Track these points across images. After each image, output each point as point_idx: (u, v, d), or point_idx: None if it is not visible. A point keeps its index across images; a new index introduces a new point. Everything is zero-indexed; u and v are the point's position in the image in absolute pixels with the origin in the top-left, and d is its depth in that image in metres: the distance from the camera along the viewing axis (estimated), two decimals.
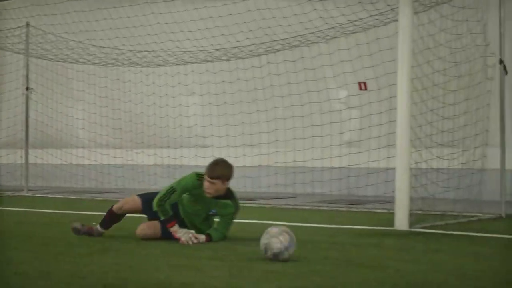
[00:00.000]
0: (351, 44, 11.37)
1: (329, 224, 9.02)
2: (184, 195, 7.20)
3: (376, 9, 9.72)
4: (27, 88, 14.08)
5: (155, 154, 13.61)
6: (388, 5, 9.08)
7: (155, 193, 7.23)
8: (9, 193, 14.07)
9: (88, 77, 14.29)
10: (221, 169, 6.95)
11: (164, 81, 13.42)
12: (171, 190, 7.10)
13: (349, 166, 11.88)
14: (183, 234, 7.02)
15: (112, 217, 7.41)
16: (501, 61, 10.07)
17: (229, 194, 7.11)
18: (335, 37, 10.99)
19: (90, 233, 7.44)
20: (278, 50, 11.68)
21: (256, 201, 11.95)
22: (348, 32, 10.64)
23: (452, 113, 10.00)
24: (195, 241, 6.98)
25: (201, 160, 13.34)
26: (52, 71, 14.63)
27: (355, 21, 10.25)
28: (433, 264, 5.92)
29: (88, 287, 4.85)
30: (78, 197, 13.19)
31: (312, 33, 10.83)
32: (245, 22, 10.93)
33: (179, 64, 12.83)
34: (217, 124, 13.16)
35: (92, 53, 12.80)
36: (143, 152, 13.84)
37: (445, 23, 9.59)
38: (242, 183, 12.92)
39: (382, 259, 6.15)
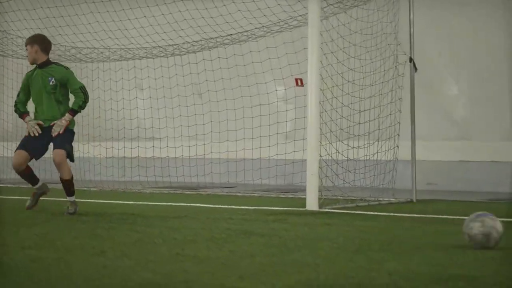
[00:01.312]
0: (278, 42, 12.26)
1: (249, 206, 9.84)
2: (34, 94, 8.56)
3: (294, 11, 10.63)
4: None
5: (99, 145, 14.38)
6: (305, 7, 9.95)
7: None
8: None
9: None
10: (30, 37, 8.79)
11: (108, 76, 14.22)
12: (18, 93, 8.80)
13: (276, 156, 12.74)
14: (30, 126, 8.44)
15: (25, 176, 8.71)
16: (411, 59, 10.99)
17: (50, 62, 8.61)
18: (263, 36, 11.88)
19: (42, 193, 8.93)
20: (211, 48, 12.55)
21: (194, 190, 12.76)
22: (273, 31, 11.53)
23: (368, 107, 10.92)
24: (38, 131, 8.36)
25: (142, 151, 14.17)
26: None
27: (278, 22, 11.15)
28: (316, 233, 6.84)
29: (9, 250, 5.69)
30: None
31: (240, 32, 11.71)
32: (176, 22, 11.78)
33: (121, 60, 13.63)
34: (157, 117, 14.00)
35: None
36: (88, 143, 14.57)
37: (358, 25, 10.51)
38: (181, 173, 13.74)
39: (275, 230, 7.03)
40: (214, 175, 13.45)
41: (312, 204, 9.39)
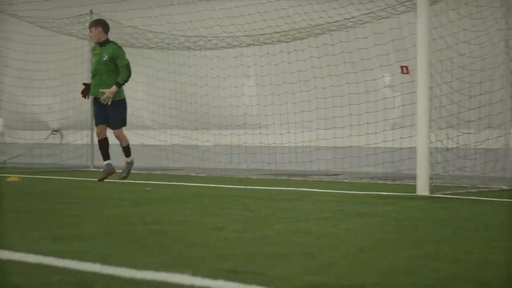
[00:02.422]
0: (385, 28, 12.18)
1: (358, 191, 9.87)
2: (93, 67, 10.72)
3: None
4: None
5: (207, 132, 14.62)
6: None
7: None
8: (76, 170, 15.16)
9: (147, 61, 15.17)
10: (93, 21, 10.84)
11: (216, 64, 14.43)
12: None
13: (383, 143, 12.68)
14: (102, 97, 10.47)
15: (101, 147, 10.78)
16: None
17: (108, 41, 10.58)
18: (370, 22, 11.85)
19: (108, 173, 10.89)
20: (317, 35, 12.57)
21: (301, 176, 12.82)
22: (380, 17, 11.49)
23: (478, 93, 10.78)
24: (110, 96, 10.31)
25: (249, 138, 14.31)
26: None
27: (385, 7, 11.11)
28: (429, 215, 6.82)
29: (132, 224, 5.91)
30: (136, 172, 14.20)
31: (347, 18, 11.72)
32: (283, 9, 11.88)
33: (228, 48, 13.81)
34: (264, 104, 14.10)
35: (149, 38, 13.87)
36: (196, 130, 14.84)
37: (467, 9, 10.37)
38: (287, 159, 13.81)
39: (388, 212, 7.05)
40: (320, 162, 13.48)
41: (422, 189, 9.30)
